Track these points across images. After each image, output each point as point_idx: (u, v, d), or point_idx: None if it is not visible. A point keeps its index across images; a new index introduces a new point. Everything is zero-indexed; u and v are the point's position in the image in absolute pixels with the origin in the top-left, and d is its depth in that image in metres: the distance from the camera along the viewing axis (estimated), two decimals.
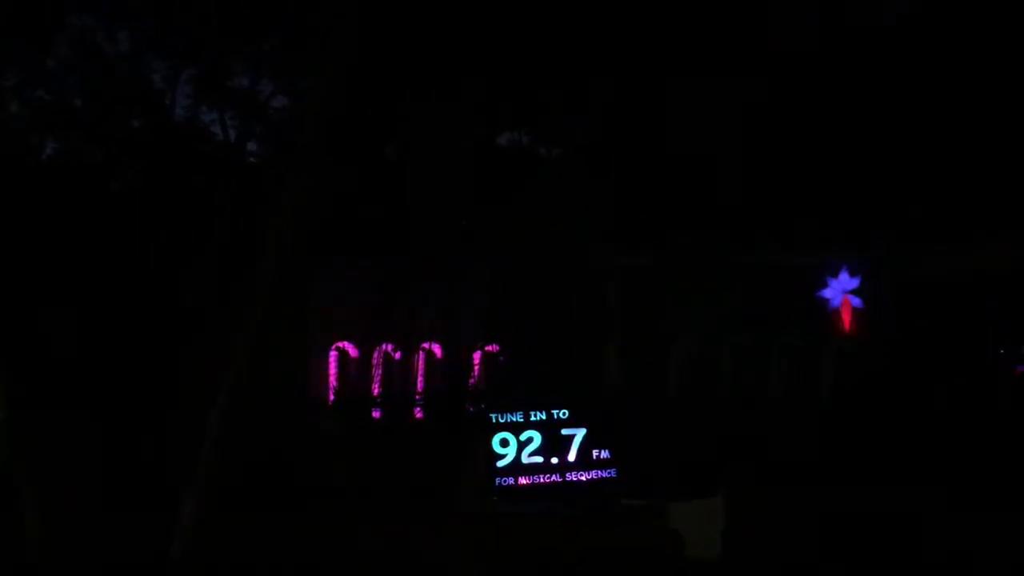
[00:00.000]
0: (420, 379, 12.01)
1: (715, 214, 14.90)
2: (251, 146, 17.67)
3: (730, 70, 11.47)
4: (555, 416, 9.25)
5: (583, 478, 9.19)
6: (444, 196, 12.47)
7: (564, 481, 9.14)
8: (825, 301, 14.56)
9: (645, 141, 16.20)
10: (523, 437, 9.19)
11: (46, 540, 4.54)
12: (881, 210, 14.47)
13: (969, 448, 11.85)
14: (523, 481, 9.12)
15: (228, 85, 17.17)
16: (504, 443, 9.15)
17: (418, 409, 11.81)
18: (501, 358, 11.21)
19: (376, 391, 11.43)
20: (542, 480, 9.16)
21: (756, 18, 11.64)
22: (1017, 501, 9.33)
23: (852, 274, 14.39)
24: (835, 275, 14.43)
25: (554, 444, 9.21)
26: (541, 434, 9.19)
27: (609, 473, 9.21)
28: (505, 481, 9.10)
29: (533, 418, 9.22)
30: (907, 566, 8.12)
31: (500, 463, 9.13)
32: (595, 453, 9.23)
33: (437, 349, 12.50)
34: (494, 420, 9.17)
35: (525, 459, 9.16)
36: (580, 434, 9.23)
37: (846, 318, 14.50)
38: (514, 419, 9.19)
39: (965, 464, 11.07)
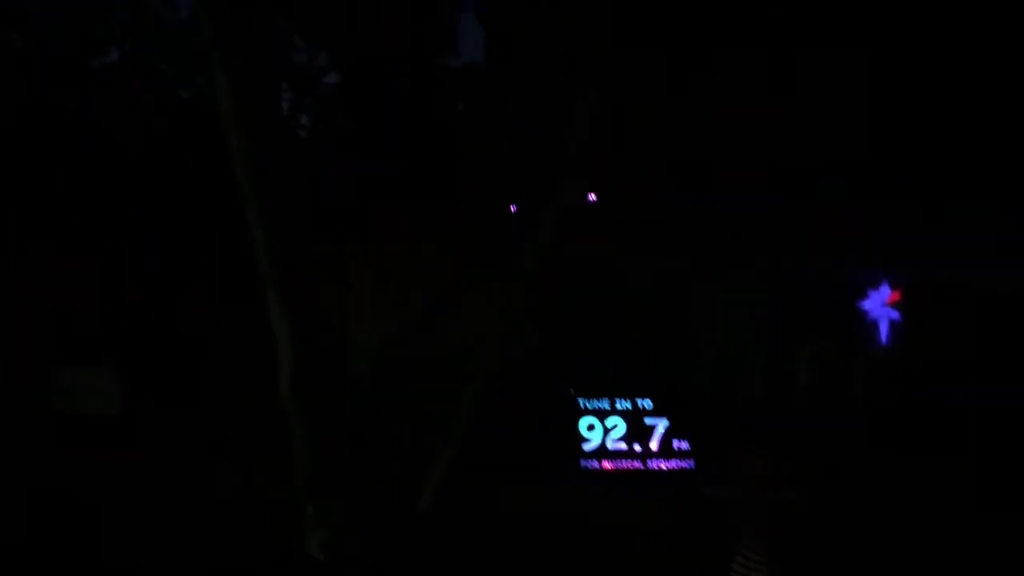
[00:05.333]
0: None
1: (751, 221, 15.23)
2: (303, 119, 17.80)
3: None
4: (639, 405, 9.55)
5: (664, 467, 9.50)
6: None
7: (646, 468, 9.44)
8: (863, 312, 14.95)
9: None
10: (608, 423, 9.49)
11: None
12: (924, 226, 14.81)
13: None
14: (607, 465, 9.43)
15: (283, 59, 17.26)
16: (590, 428, 9.45)
17: None
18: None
19: None
20: (625, 466, 9.46)
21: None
22: None
23: (893, 287, 14.78)
24: (875, 287, 14.82)
25: (637, 432, 9.51)
26: (625, 422, 9.49)
27: (689, 464, 9.52)
28: (591, 464, 9.40)
29: (619, 406, 9.52)
30: None
31: (586, 447, 9.42)
32: (676, 444, 9.54)
33: None
34: (581, 405, 9.46)
35: (610, 444, 9.46)
36: (662, 424, 9.54)
37: (883, 331, 14.89)
38: (600, 405, 9.49)
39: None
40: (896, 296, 14.76)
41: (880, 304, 15.09)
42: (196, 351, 9.76)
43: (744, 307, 15.78)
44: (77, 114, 12.79)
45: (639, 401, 9.57)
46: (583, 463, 9.40)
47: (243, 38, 4.77)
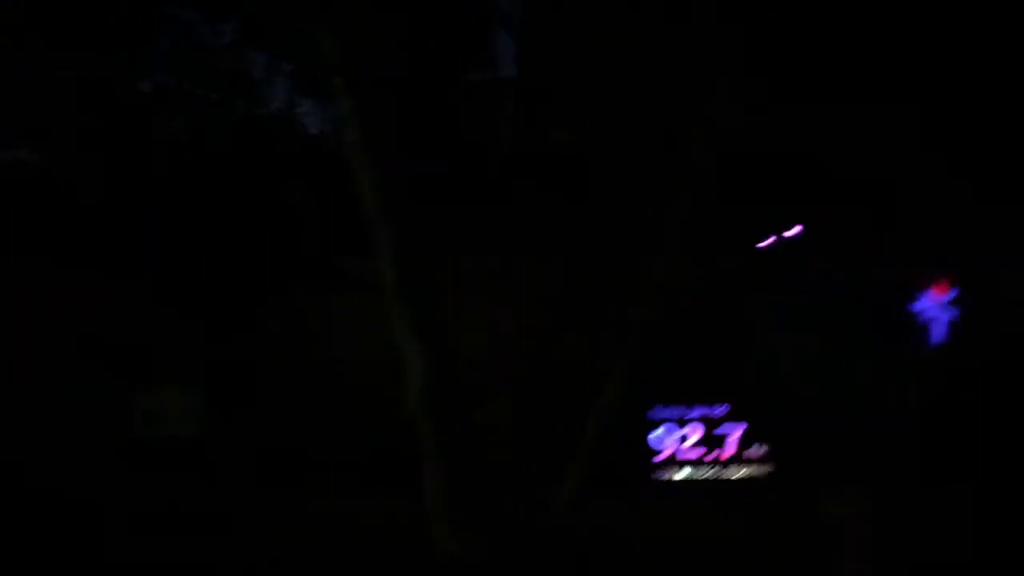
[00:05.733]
0: None
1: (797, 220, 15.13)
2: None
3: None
4: (713, 411, 9.54)
5: (741, 473, 9.49)
6: None
7: (722, 476, 9.43)
8: (917, 313, 14.84)
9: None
10: (682, 431, 9.49)
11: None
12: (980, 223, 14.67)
13: None
14: (681, 475, 9.43)
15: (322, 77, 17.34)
16: (665, 435, 9.46)
17: None
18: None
19: None
20: (700, 475, 9.45)
21: None
22: None
23: (948, 286, 14.66)
24: (928, 287, 14.70)
25: (712, 439, 9.50)
26: (699, 428, 9.48)
27: (766, 469, 9.50)
28: (663, 474, 9.40)
29: (691, 413, 9.52)
30: None
31: (658, 457, 9.43)
32: (752, 450, 9.52)
33: None
34: (655, 412, 9.48)
35: (683, 453, 9.46)
36: (737, 430, 9.52)
37: (938, 331, 14.76)
38: (673, 413, 9.50)
39: None
40: (946, 289, 14.61)
41: (934, 303, 14.97)
42: (269, 369, 9.86)
43: (796, 309, 15.67)
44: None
45: (713, 407, 9.56)
46: (657, 472, 9.40)
47: (369, 60, 4.87)
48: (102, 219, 9.99)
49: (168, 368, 9.34)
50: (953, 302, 14.81)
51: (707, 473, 9.42)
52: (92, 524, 7.67)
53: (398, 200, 4.97)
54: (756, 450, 9.53)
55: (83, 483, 8.23)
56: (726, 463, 9.43)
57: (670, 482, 9.34)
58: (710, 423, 9.50)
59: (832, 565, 8.07)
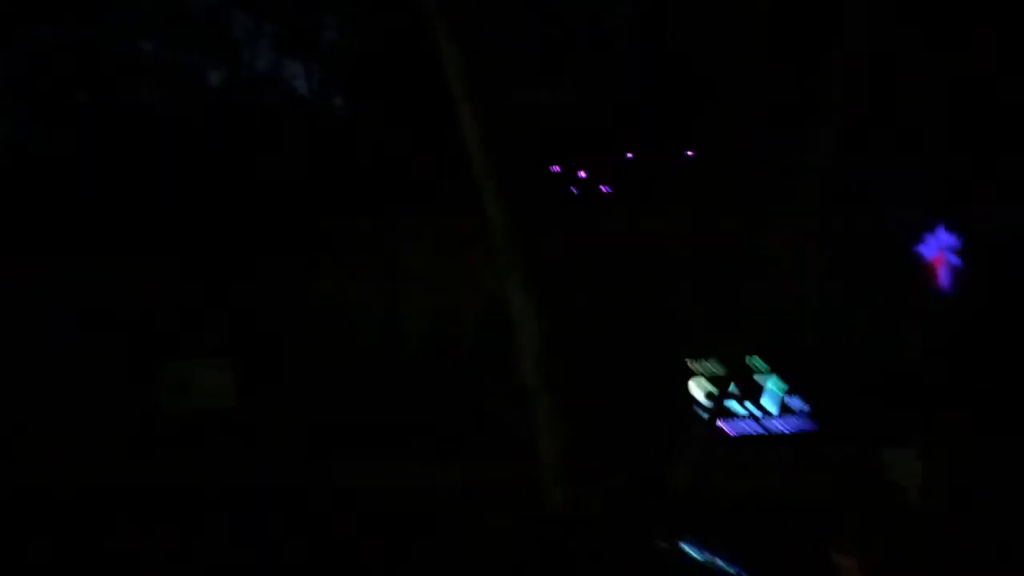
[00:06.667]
0: None
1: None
2: (338, 100, 17.26)
3: None
4: (754, 366, 9.38)
5: (784, 427, 9.35)
6: None
7: (766, 430, 9.29)
8: (919, 258, 14.81)
9: None
10: (723, 385, 9.29)
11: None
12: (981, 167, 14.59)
13: None
14: (726, 428, 9.26)
15: (313, 39, 16.73)
16: (703, 389, 9.29)
17: None
18: None
19: None
20: (744, 428, 9.31)
21: None
22: None
23: (949, 231, 14.64)
24: (931, 231, 14.67)
25: (754, 393, 9.35)
26: (740, 383, 9.31)
27: (810, 424, 9.38)
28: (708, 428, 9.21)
29: (732, 367, 9.32)
30: None
31: (701, 410, 9.26)
32: (795, 404, 9.39)
33: None
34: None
35: (726, 406, 9.29)
36: (780, 384, 9.38)
37: (941, 277, 14.75)
38: (713, 367, 9.33)
39: None
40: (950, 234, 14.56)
41: (937, 249, 14.91)
42: (296, 339, 9.51)
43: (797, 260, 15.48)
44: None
45: (754, 362, 9.39)
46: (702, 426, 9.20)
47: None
48: (116, 195, 9.54)
49: (194, 340, 8.93)
50: (955, 249, 14.77)
51: (753, 426, 9.24)
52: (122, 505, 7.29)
53: (509, 161, 4.66)
54: (795, 403, 9.36)
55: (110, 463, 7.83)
56: (768, 416, 9.26)
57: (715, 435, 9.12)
58: (753, 375, 9.31)
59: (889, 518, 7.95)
